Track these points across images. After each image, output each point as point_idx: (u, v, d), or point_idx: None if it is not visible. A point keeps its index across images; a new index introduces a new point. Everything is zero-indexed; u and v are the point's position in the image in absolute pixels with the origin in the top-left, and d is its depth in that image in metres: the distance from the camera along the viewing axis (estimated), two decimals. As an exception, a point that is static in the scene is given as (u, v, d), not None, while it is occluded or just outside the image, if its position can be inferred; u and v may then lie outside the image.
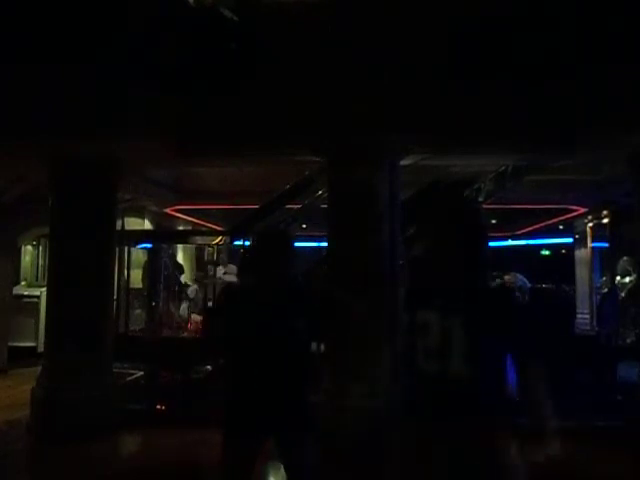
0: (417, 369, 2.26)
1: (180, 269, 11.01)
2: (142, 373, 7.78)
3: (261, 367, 2.83)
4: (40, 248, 12.27)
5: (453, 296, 2.23)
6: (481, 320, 2.20)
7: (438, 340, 2.19)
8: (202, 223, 12.35)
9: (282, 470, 2.97)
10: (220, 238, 10.03)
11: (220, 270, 10.68)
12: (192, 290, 11.04)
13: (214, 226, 12.40)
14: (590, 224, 11.40)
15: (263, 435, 2.86)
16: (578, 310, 11.63)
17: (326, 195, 6.63)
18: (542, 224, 12.57)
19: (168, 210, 11.05)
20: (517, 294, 9.01)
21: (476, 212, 2.53)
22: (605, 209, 10.21)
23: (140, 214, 10.86)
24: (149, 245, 9.85)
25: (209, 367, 7.57)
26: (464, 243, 2.27)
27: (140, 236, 9.63)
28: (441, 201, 2.59)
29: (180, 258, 11.95)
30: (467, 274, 2.27)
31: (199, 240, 10.93)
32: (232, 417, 2.91)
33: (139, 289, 9.55)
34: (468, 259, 2.27)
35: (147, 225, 11.11)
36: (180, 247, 12.07)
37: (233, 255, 11.88)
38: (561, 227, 12.89)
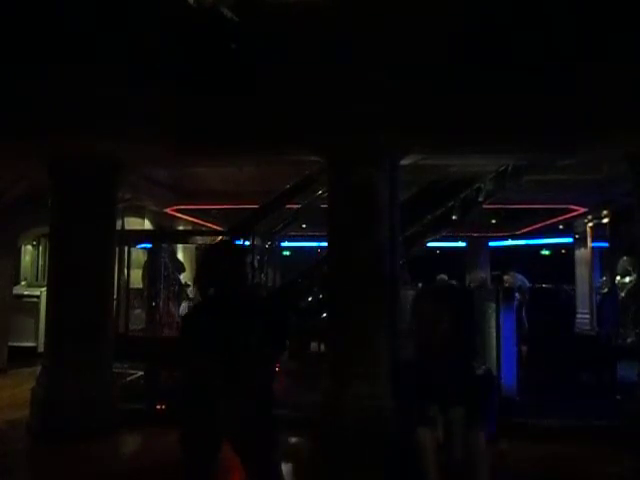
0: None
1: (181, 267, 10.99)
2: (142, 373, 7.77)
3: (218, 380, 2.84)
4: (40, 248, 12.27)
5: (451, 389, 2.36)
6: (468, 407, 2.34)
7: (443, 434, 2.32)
8: (202, 223, 12.35)
9: None
10: (220, 238, 10.01)
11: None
12: (192, 289, 11.03)
13: (214, 226, 12.40)
14: (590, 224, 11.41)
15: (220, 442, 2.90)
16: (578, 310, 11.64)
17: (326, 195, 6.63)
18: (542, 224, 12.58)
19: (168, 210, 11.05)
20: (516, 294, 9.02)
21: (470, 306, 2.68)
22: (605, 209, 10.22)
23: (140, 214, 10.86)
24: (149, 245, 9.85)
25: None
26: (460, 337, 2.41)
27: (140, 236, 9.62)
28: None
29: (180, 258, 11.94)
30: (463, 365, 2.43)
31: (199, 240, 10.92)
32: (191, 426, 2.98)
33: (139, 289, 9.54)
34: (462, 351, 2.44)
35: (147, 225, 11.10)
36: (180, 247, 12.06)
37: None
38: (561, 227, 12.90)
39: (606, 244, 11.15)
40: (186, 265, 11.95)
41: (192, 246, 12.28)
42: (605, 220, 10.52)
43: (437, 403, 2.31)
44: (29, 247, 12.41)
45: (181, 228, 12.22)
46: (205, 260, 3.19)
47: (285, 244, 15.32)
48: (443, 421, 2.29)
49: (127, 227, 9.75)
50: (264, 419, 2.92)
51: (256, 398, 2.88)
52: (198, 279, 3.30)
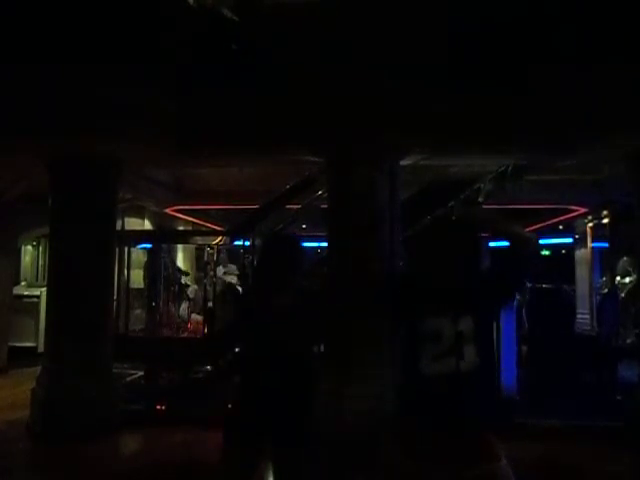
0: (419, 374, 2.24)
1: (181, 272, 11.02)
2: (142, 373, 7.78)
3: (268, 377, 2.81)
4: (40, 248, 12.29)
5: (460, 299, 2.26)
6: (481, 314, 2.26)
7: (451, 343, 2.20)
8: (202, 223, 12.34)
9: None
10: (220, 238, 10.01)
11: (220, 270, 10.69)
12: (192, 290, 11.05)
13: (214, 226, 12.39)
14: (590, 224, 11.39)
15: (262, 444, 2.83)
16: (578, 310, 11.63)
17: (326, 195, 6.63)
18: (542, 224, 12.56)
19: (168, 210, 11.05)
20: (516, 294, 8.99)
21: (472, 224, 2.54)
22: (605, 209, 10.21)
23: (140, 214, 10.86)
24: (149, 245, 9.85)
25: (209, 367, 7.57)
26: (464, 250, 2.32)
27: (140, 236, 9.62)
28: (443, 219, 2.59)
29: (180, 258, 11.95)
30: (468, 276, 2.32)
31: (199, 240, 10.93)
32: (234, 423, 2.88)
33: (139, 289, 9.55)
34: (468, 262, 2.33)
35: (147, 225, 11.11)
36: (180, 247, 12.07)
37: (233, 255, 11.88)
38: (561, 227, 12.88)
39: (606, 244, 11.14)
40: (186, 265, 11.97)
41: (192, 246, 12.29)
42: (605, 220, 10.51)
43: (444, 314, 2.21)
44: (29, 247, 12.43)
45: (181, 228, 12.22)
46: (265, 251, 3.13)
47: (285, 244, 15.27)
48: (453, 335, 2.19)
49: (127, 227, 9.76)
50: (300, 419, 2.89)
51: (295, 398, 2.85)
52: (259, 270, 3.28)
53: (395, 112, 5.44)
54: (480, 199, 8.28)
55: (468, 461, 2.14)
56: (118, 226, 7.59)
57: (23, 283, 11.64)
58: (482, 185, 8.16)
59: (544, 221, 12.22)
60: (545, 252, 16.46)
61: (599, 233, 11.19)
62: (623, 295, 9.64)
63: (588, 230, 11.62)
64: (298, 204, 8.99)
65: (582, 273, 12.25)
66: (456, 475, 2.13)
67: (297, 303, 2.90)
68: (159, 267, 9.69)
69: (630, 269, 9.78)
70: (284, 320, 2.83)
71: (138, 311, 9.53)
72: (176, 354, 7.30)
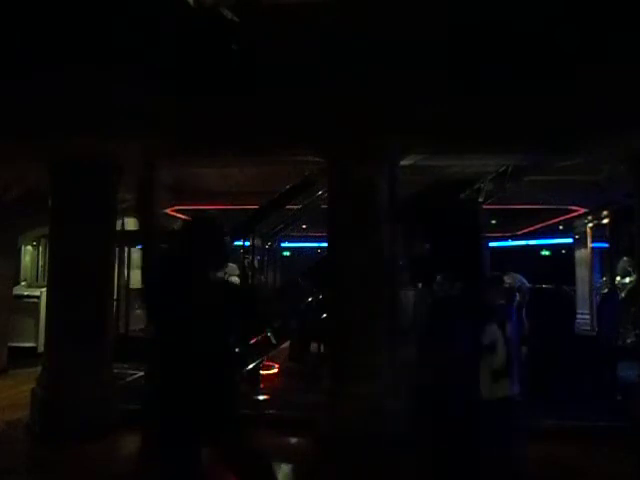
0: (477, 397, 1.97)
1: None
2: (142, 373, 7.77)
3: (183, 365, 2.71)
4: (40, 248, 12.28)
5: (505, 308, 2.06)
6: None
7: (504, 360, 1.93)
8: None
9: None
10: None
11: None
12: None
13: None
14: (590, 224, 11.41)
15: (197, 439, 2.72)
16: (578, 310, 11.65)
17: (326, 195, 6.64)
18: (542, 224, 12.57)
19: (168, 210, 11.04)
20: (516, 294, 8.99)
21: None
22: (605, 209, 10.22)
23: (140, 214, 10.82)
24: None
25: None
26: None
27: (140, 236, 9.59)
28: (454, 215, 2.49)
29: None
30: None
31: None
32: (161, 421, 2.74)
33: (139, 289, 9.54)
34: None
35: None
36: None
37: (233, 255, 11.86)
38: (561, 227, 12.90)
39: (606, 245, 11.15)
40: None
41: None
42: (605, 221, 10.52)
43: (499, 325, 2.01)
44: (29, 247, 12.42)
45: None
46: (185, 234, 3.02)
47: (285, 244, 15.34)
48: (505, 345, 1.96)
49: (127, 227, 9.75)
50: (224, 404, 2.80)
51: (217, 385, 2.76)
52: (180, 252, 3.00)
53: (395, 112, 5.44)
54: (480, 199, 8.29)
55: None
56: (118, 226, 7.58)
57: (23, 283, 11.64)
58: (482, 185, 8.18)
59: (544, 221, 12.24)
60: (545, 252, 16.49)
61: (599, 233, 11.20)
62: (623, 295, 9.64)
63: (588, 230, 11.63)
64: (298, 205, 9.01)
65: (582, 273, 12.27)
66: None
67: (218, 300, 2.80)
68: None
69: (630, 269, 9.79)
70: (204, 316, 2.73)
71: (138, 311, 9.53)
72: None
